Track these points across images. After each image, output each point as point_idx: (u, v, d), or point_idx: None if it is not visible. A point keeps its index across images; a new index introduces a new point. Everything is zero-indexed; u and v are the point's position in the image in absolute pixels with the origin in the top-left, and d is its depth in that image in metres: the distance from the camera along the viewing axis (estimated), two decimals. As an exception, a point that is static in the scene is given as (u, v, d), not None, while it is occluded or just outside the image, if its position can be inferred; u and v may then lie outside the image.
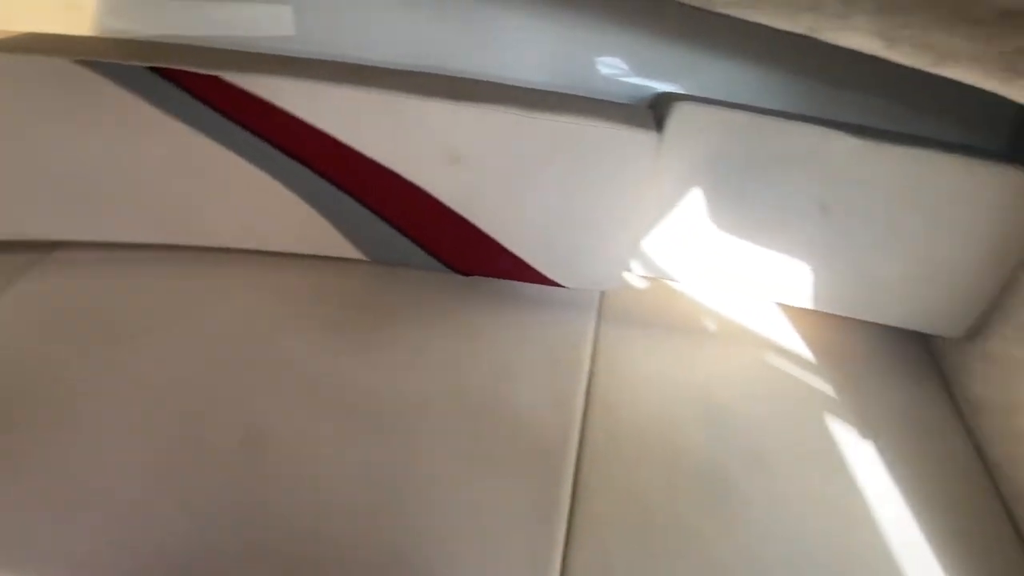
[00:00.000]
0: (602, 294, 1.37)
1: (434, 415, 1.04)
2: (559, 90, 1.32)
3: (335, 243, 1.29)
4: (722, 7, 0.92)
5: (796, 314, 1.37)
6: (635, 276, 1.41)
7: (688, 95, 1.22)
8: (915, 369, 1.29)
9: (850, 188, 1.15)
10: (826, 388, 1.21)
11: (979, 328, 1.21)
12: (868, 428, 1.12)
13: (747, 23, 0.95)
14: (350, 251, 1.33)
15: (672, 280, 1.37)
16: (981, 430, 1.14)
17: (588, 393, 1.14)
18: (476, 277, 1.37)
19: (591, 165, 1.17)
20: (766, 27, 0.94)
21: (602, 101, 1.30)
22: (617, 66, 1.35)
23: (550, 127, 1.14)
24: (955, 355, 1.27)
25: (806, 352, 1.30)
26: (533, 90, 1.29)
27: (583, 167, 1.17)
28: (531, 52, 1.35)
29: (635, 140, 1.13)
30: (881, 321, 1.29)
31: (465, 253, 1.33)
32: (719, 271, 1.30)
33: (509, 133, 1.15)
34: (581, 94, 1.31)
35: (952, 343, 1.28)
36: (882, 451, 1.08)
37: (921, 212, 1.15)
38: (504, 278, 1.35)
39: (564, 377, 1.15)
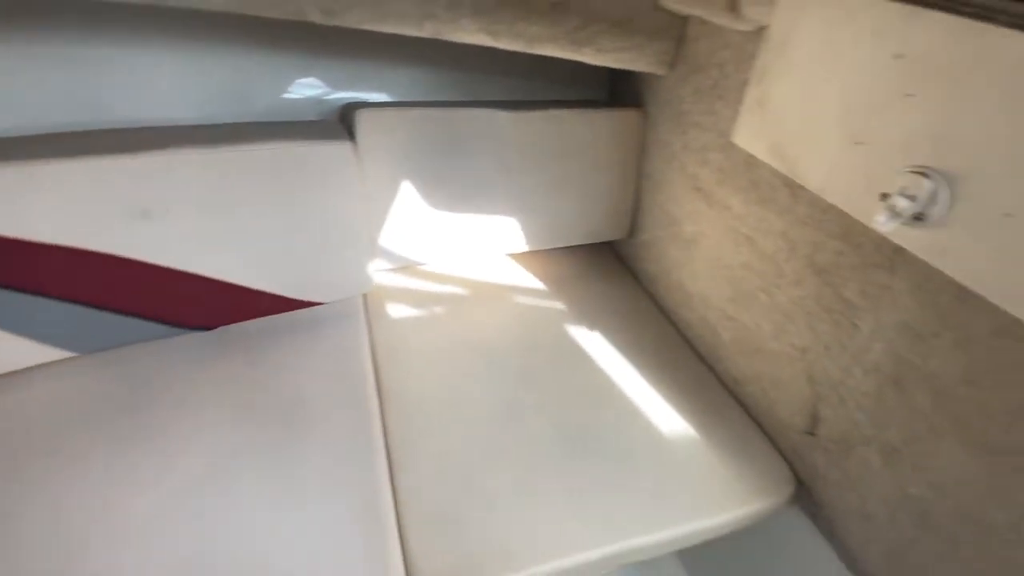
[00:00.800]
0: (364, 296, 1.45)
1: (241, 471, 0.99)
2: (249, 120, 1.33)
3: (28, 351, 1.08)
4: (356, 24, 1.06)
5: (521, 258, 1.67)
6: (385, 271, 1.52)
7: (369, 102, 1.36)
8: (610, 269, 1.71)
9: (517, 150, 1.45)
10: (559, 305, 1.53)
11: (635, 226, 1.67)
12: (592, 323, 1.46)
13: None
14: (52, 353, 1.13)
15: (418, 263, 1.53)
16: (658, 294, 1.59)
17: (379, 384, 1.22)
18: (223, 328, 1.30)
19: (299, 184, 1.22)
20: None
21: (293, 122, 1.35)
22: (301, 86, 1.42)
23: (246, 157, 1.16)
24: (629, 250, 1.73)
25: (538, 284, 1.60)
26: (220, 125, 1.27)
27: (291, 188, 1.21)
28: (205, 89, 1.32)
29: (332, 152, 1.22)
30: (576, 243, 1.66)
31: (197, 307, 1.25)
32: (449, 243, 1.50)
33: (204, 173, 1.13)
34: (273, 119, 1.34)
35: (625, 243, 1.73)
36: (604, 333, 1.43)
37: (575, 158, 1.52)
38: (256, 317, 1.32)
39: (353, 381, 1.21)
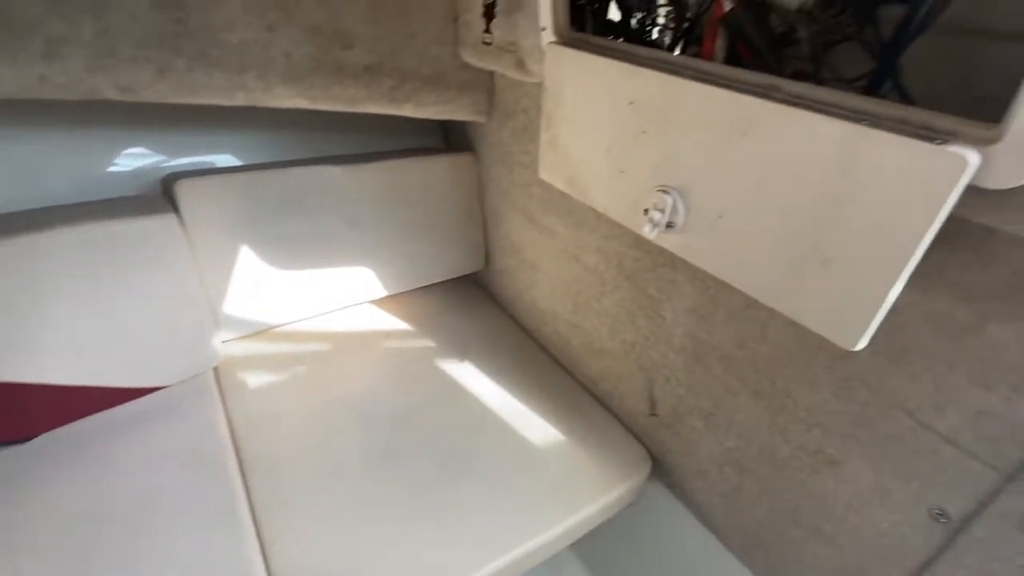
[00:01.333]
0: (214, 370, 1.37)
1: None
2: (54, 203, 1.21)
3: None
4: (160, 99, 1.05)
5: (384, 303, 1.70)
6: (235, 340, 1.46)
7: (191, 171, 1.32)
8: (474, 299, 1.81)
9: (359, 203, 1.49)
10: (427, 342, 1.58)
11: (489, 257, 1.79)
12: (462, 354, 1.53)
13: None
14: None
15: (272, 326, 1.48)
16: (517, 315, 1.72)
17: (241, 461, 1.15)
18: (47, 434, 1.15)
19: (120, 265, 1.14)
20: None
21: (115, 200, 1.26)
22: (117, 160, 1.33)
23: (51, 243, 1.06)
24: (488, 278, 1.84)
25: (403, 325, 1.63)
26: (15, 214, 1.15)
27: (111, 270, 1.13)
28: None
29: (155, 228, 1.17)
30: (437, 280, 1.74)
31: (4, 418, 1.10)
32: (303, 301, 1.49)
33: (13, 263, 1.01)
34: (85, 199, 1.25)
35: (483, 273, 1.84)
36: (474, 361, 1.50)
37: (420, 202, 1.60)
38: (85, 416, 1.18)
39: (211, 463, 1.13)
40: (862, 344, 0.64)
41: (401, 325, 1.64)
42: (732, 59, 0.79)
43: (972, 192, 0.53)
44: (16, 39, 0.90)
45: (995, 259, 0.61)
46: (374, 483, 1.14)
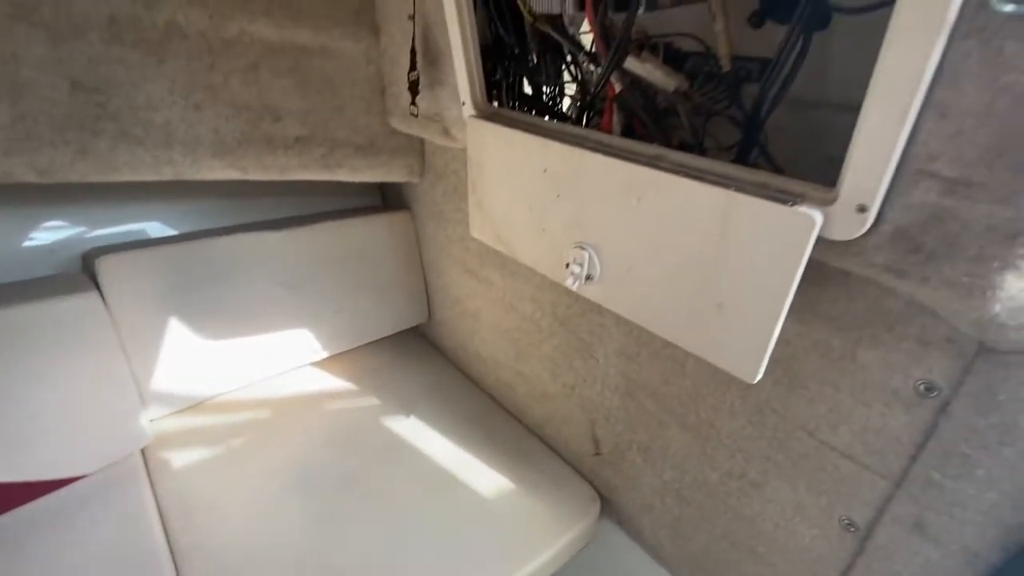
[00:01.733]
0: (142, 451, 1.29)
1: None
2: None
3: None
4: (81, 178, 1.04)
5: (326, 363, 1.68)
6: (166, 417, 1.39)
7: (114, 245, 1.28)
8: (419, 352, 1.82)
9: (296, 266, 1.50)
10: (372, 400, 1.56)
11: (431, 309, 1.82)
12: (408, 409, 1.53)
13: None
14: None
15: (206, 399, 1.43)
16: (462, 365, 1.74)
17: (172, 547, 1.09)
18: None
19: (40, 348, 1.09)
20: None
21: (31, 281, 1.21)
22: (31, 239, 1.28)
23: None
24: (432, 330, 1.87)
25: (347, 385, 1.62)
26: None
27: (32, 354, 1.08)
28: None
29: (77, 308, 1.13)
30: (380, 336, 1.74)
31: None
32: (239, 371, 1.45)
33: None
34: (7, 278, 1.19)
35: (427, 325, 1.87)
36: (421, 416, 1.50)
37: (359, 260, 1.62)
38: (1, 513, 1.09)
39: (139, 552, 1.06)
40: (759, 376, 0.72)
41: (344, 385, 1.62)
42: (627, 131, 0.90)
43: (825, 242, 0.63)
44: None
45: (854, 295, 0.71)
46: (320, 557, 1.10)
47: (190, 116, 1.11)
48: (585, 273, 0.91)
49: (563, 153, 0.88)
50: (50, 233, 1.31)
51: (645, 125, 0.84)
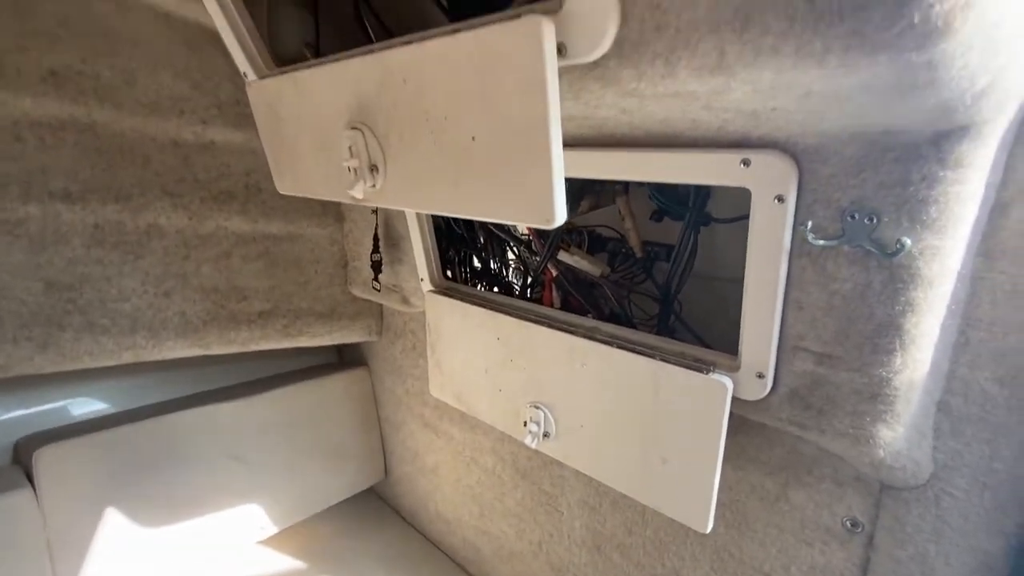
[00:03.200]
0: None
1: None
2: None
3: None
4: (38, 370, 1.04)
5: (276, 539, 1.56)
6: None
7: (50, 432, 1.23)
8: (375, 515, 1.74)
9: (248, 436, 1.47)
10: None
11: (388, 466, 1.78)
12: (365, 585, 1.42)
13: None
14: None
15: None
16: (422, 527, 1.66)
17: None
18: None
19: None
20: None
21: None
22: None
23: None
24: (388, 489, 1.80)
25: (298, 564, 1.50)
26: None
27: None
28: None
29: (8, 507, 1.05)
30: (335, 501, 1.66)
31: None
32: (179, 560, 1.33)
33: None
34: None
35: (383, 484, 1.81)
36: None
37: (314, 423, 1.61)
38: None
39: None
40: (710, 526, 0.78)
41: (295, 564, 1.50)
42: (565, 303, 1.05)
43: (740, 400, 0.75)
44: None
45: (773, 443, 0.82)
46: None
47: (159, 303, 1.17)
48: (542, 431, 0.98)
49: (513, 325, 1.00)
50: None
51: (579, 301, 0.99)
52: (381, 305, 1.63)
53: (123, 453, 1.23)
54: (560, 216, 0.46)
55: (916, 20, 0.28)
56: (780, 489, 0.83)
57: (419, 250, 1.18)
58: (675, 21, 0.37)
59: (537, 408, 0.99)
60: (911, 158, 0.51)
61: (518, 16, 0.40)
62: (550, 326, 0.94)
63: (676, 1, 0.36)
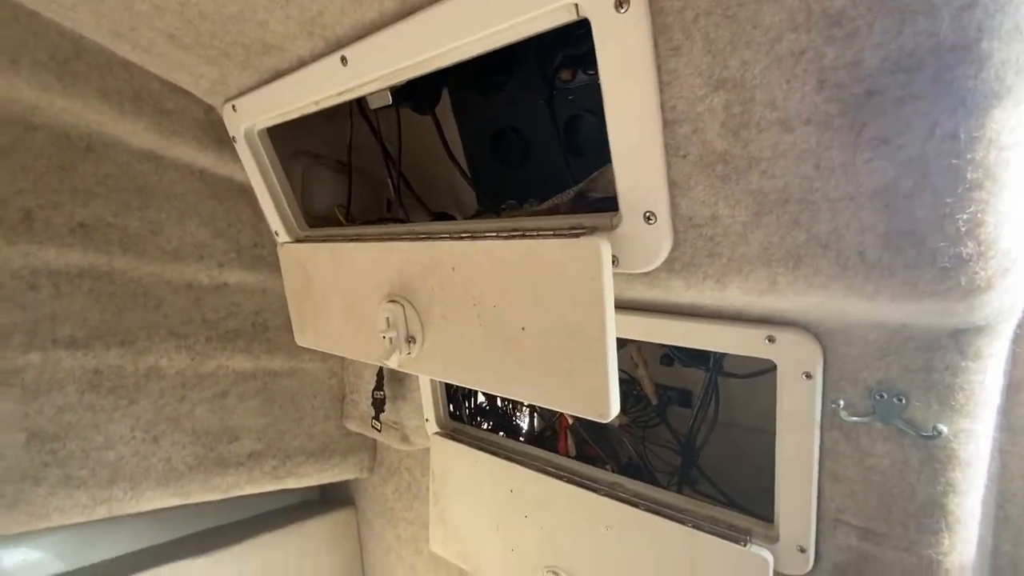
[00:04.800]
0: None
1: None
2: None
3: None
4: (13, 531, 0.94)
5: None
6: None
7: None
8: None
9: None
10: None
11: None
12: None
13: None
14: None
15: None
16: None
17: None
18: None
19: None
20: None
21: None
22: None
23: None
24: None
25: None
26: None
27: None
28: None
29: None
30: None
31: None
32: None
33: None
34: None
35: None
36: None
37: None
38: None
39: None
40: None
41: None
42: (580, 450, 1.02)
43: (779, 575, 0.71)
44: None
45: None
46: None
47: (145, 449, 1.09)
48: (562, 603, 0.90)
49: (528, 477, 0.96)
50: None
51: (597, 451, 0.97)
52: (375, 440, 1.56)
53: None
54: (614, 410, 0.47)
55: (963, 283, 0.32)
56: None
57: (427, 391, 1.16)
58: (728, 252, 0.41)
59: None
60: (932, 348, 0.54)
61: (575, 235, 0.44)
62: (570, 480, 0.90)
63: (729, 237, 0.40)
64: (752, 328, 0.65)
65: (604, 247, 0.42)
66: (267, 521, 1.51)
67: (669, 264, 0.46)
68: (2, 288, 0.89)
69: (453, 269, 0.56)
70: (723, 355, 0.90)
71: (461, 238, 0.55)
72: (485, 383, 0.55)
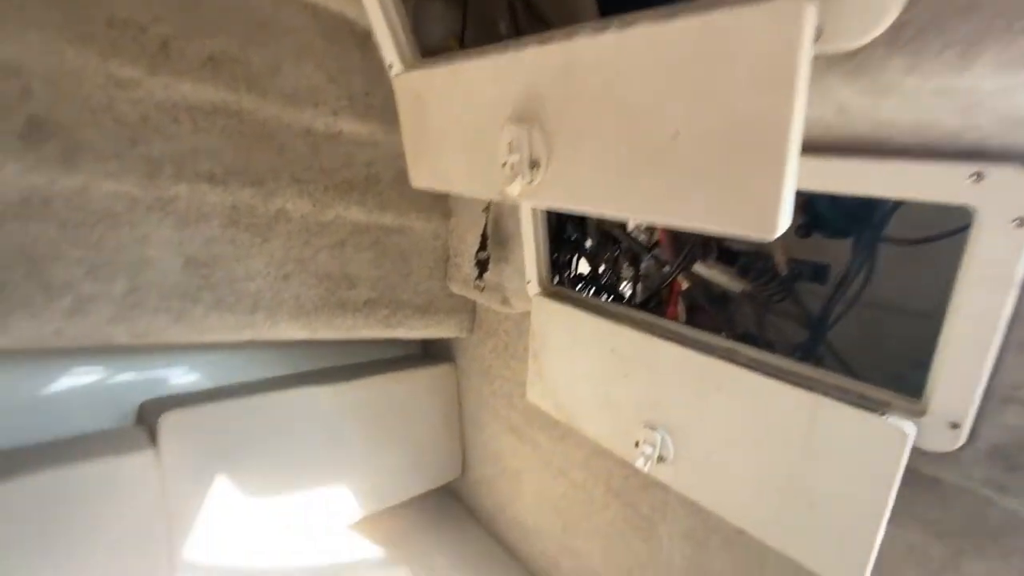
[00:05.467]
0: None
1: None
2: (32, 430, 1.16)
3: None
4: (170, 340, 1.11)
5: (356, 526, 1.59)
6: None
7: (174, 397, 1.31)
8: (450, 513, 1.73)
9: (340, 422, 1.50)
10: (400, 572, 1.45)
11: (466, 465, 1.76)
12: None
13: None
14: None
15: (235, 567, 1.34)
16: (498, 532, 1.64)
17: None
18: None
19: (95, 506, 1.06)
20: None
21: (86, 436, 1.22)
22: (84, 387, 1.31)
23: (29, 489, 1.00)
24: (465, 488, 1.79)
25: (377, 551, 1.51)
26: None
27: (87, 513, 1.05)
28: None
29: (134, 465, 1.12)
30: (412, 494, 1.67)
31: None
32: (277, 533, 1.38)
33: None
34: (61, 424, 1.20)
35: (460, 482, 1.80)
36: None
37: (398, 414, 1.62)
38: None
39: None
40: (863, 586, 0.69)
41: (375, 551, 1.52)
42: (691, 318, 0.97)
43: (916, 448, 0.65)
44: (46, 297, 0.97)
45: (950, 502, 0.71)
46: None
47: (278, 285, 1.21)
48: (657, 454, 0.91)
49: (632, 337, 0.94)
50: (102, 380, 1.34)
51: (712, 317, 0.92)
52: (475, 302, 1.62)
53: (235, 424, 1.29)
54: (783, 225, 0.40)
55: None
56: (950, 557, 0.72)
57: (530, 250, 1.15)
58: (993, 1, 0.31)
59: (654, 430, 0.92)
60: None
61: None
62: (679, 342, 0.87)
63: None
64: (952, 164, 0.53)
65: (809, 9, 0.33)
66: (378, 367, 1.68)
67: (893, 33, 0.36)
68: (149, 120, 0.96)
69: (590, 72, 0.48)
70: (889, 218, 0.78)
71: (605, 31, 0.47)
72: (622, 205, 0.50)
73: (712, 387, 0.81)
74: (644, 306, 1.08)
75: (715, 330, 0.88)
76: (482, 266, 1.25)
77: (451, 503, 1.78)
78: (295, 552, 1.45)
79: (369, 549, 1.52)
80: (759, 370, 0.76)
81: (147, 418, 1.27)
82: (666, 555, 1.12)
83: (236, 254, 1.13)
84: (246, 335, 1.20)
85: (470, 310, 1.62)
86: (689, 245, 0.89)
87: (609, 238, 1.12)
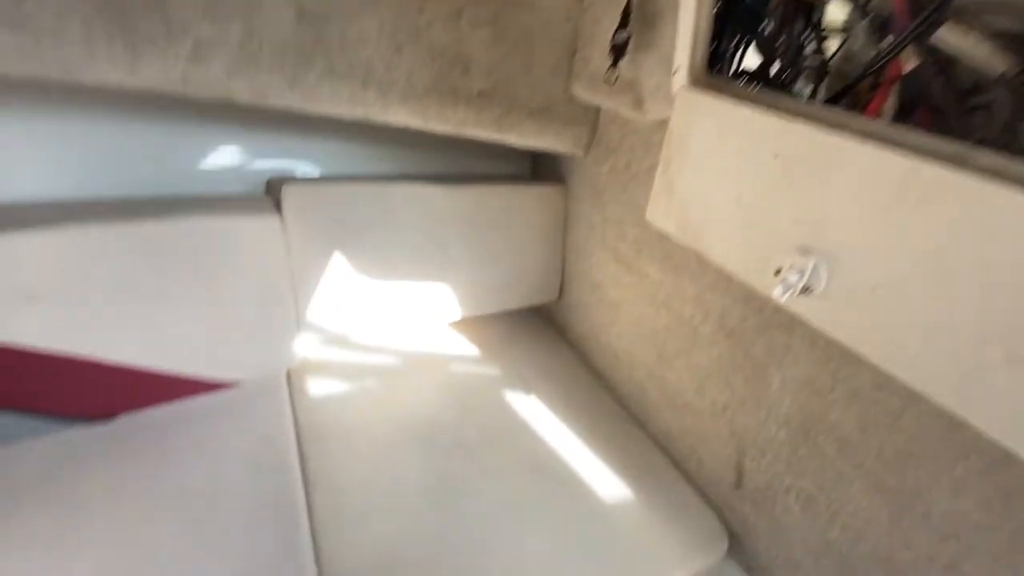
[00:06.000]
0: (287, 372, 1.37)
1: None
2: (160, 193, 1.27)
3: None
4: (286, 107, 1.08)
5: (454, 325, 1.68)
6: (312, 345, 1.46)
7: (297, 177, 1.35)
8: (543, 331, 1.76)
9: (448, 224, 1.48)
10: (494, 370, 1.53)
11: (563, 290, 1.74)
12: (527, 387, 1.48)
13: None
14: None
15: (348, 336, 1.48)
16: (588, 354, 1.65)
17: (304, 471, 1.14)
18: (127, 416, 1.17)
19: (220, 260, 1.17)
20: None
21: (217, 197, 1.31)
22: (224, 157, 1.38)
23: (161, 233, 1.11)
24: (560, 312, 1.79)
25: (472, 350, 1.60)
26: (127, 200, 1.20)
27: (211, 264, 1.16)
28: (86, 163, 1.23)
29: (259, 227, 1.20)
30: (508, 308, 1.70)
31: (92, 396, 1.13)
32: (381, 315, 1.48)
33: (107, 250, 1.06)
34: (189, 192, 1.30)
35: (555, 306, 1.80)
36: (539, 396, 1.45)
37: (503, 229, 1.58)
38: (165, 402, 1.20)
39: (275, 468, 1.12)
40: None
41: (470, 350, 1.61)
42: (901, 119, 0.73)
43: None
44: (169, 38, 0.95)
45: None
46: (436, 517, 1.09)
47: (390, 57, 1.11)
48: (803, 284, 0.77)
49: (810, 138, 0.73)
50: (236, 155, 1.40)
51: (940, 115, 0.67)
52: (597, 115, 1.42)
53: (354, 207, 1.33)
54: None
55: None
56: None
57: (687, 28, 0.91)
58: None
59: (807, 255, 0.76)
60: None
61: None
62: (877, 144, 0.66)
63: None
64: None
65: None
66: (486, 179, 1.60)
67: None
68: None
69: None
70: None
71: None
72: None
73: (914, 199, 0.62)
74: (833, 102, 0.83)
75: (941, 131, 0.65)
76: (618, 51, 1.03)
77: (544, 324, 1.81)
78: (398, 337, 1.58)
79: (465, 346, 1.61)
80: (998, 182, 0.55)
81: (273, 190, 1.32)
82: (775, 398, 1.03)
83: (348, 10, 1.02)
84: (358, 112, 1.15)
85: (590, 123, 1.43)
86: (936, 4, 0.61)
87: (795, 10, 0.84)
